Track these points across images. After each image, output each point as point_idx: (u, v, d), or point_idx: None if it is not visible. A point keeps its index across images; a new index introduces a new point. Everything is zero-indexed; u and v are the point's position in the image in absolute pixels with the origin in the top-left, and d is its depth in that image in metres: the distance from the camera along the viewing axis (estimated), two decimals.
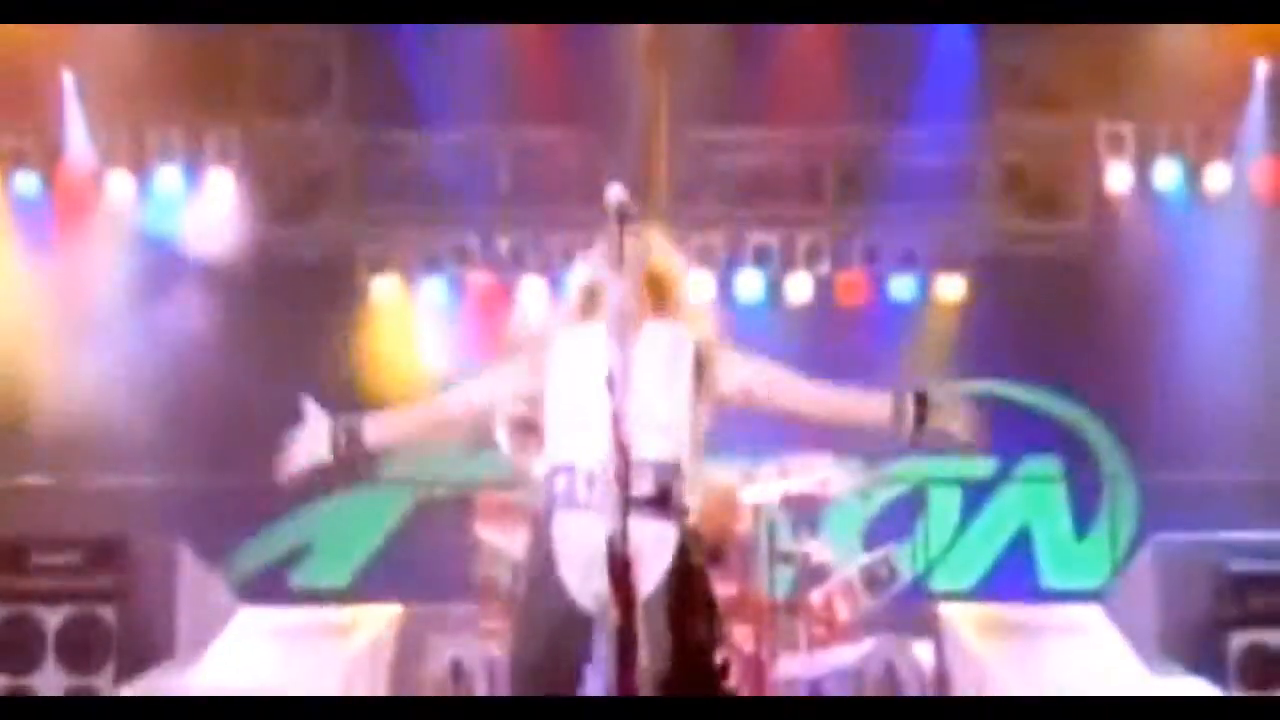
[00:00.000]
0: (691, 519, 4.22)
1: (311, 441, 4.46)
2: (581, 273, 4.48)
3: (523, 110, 11.94)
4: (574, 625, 4.10)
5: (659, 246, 4.52)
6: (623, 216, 3.92)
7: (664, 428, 4.17)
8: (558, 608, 4.14)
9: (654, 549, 4.08)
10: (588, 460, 4.10)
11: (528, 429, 6.78)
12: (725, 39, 11.60)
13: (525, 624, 4.30)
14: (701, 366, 4.33)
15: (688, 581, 4.13)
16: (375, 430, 4.49)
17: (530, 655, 4.23)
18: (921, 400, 4.28)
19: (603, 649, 3.98)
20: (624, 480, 3.73)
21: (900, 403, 4.29)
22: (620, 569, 3.72)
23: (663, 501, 4.12)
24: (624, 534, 3.71)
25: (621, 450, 3.73)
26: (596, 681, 4.34)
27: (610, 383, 3.75)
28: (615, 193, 3.93)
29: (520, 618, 4.36)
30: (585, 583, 4.07)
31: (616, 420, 3.73)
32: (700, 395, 4.32)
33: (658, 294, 4.42)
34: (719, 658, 4.34)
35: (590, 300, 4.39)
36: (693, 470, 4.25)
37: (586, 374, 4.07)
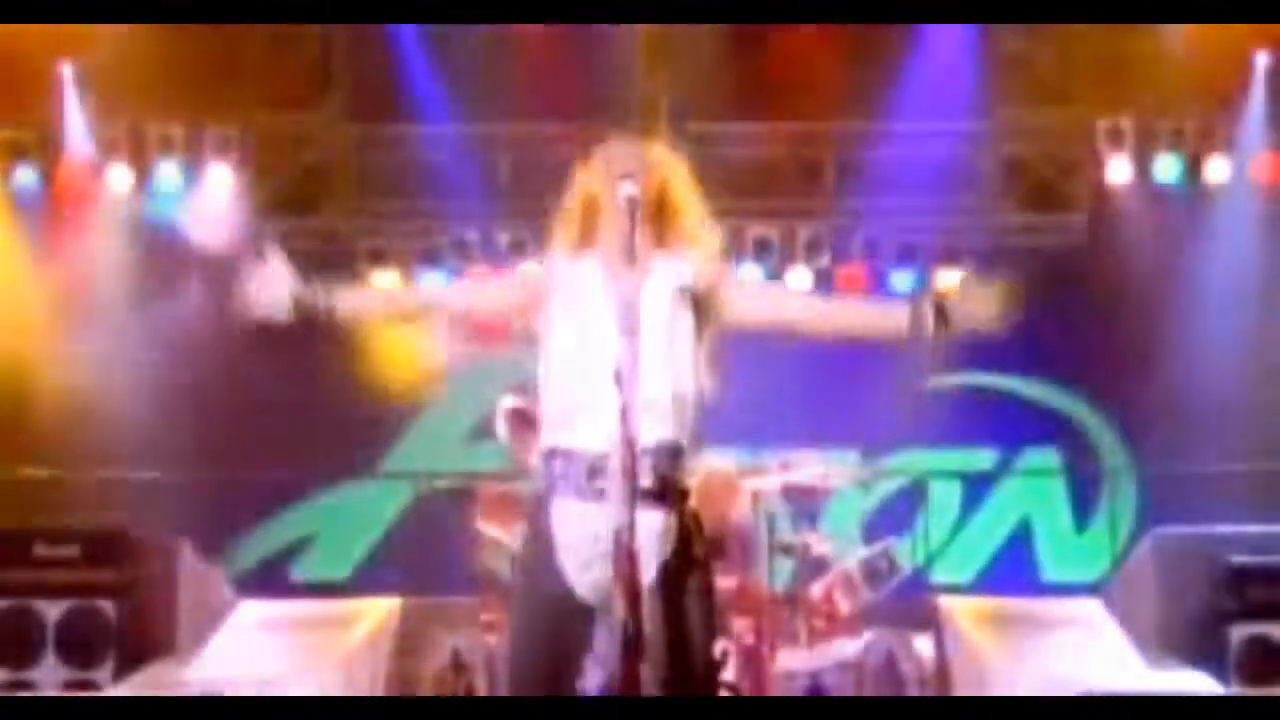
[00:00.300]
0: (690, 502, 4.11)
1: (272, 285, 4.25)
2: (581, 186, 4.26)
3: (522, 104, 11.92)
4: (572, 613, 4.02)
5: (662, 164, 4.21)
6: (634, 211, 3.90)
7: (665, 407, 4.01)
8: (554, 594, 4.02)
9: (654, 539, 3.96)
10: (589, 446, 3.98)
11: (526, 421, 6.82)
12: (725, 32, 11.59)
13: (522, 610, 4.17)
14: (706, 304, 4.15)
15: (687, 572, 4.03)
16: (343, 296, 4.40)
17: (527, 642, 4.10)
18: (940, 308, 4.07)
19: (603, 641, 3.95)
20: (631, 474, 3.68)
21: (918, 309, 4.08)
22: (626, 563, 3.67)
23: (663, 491, 4.01)
24: (631, 528, 3.67)
25: (629, 445, 3.68)
26: (596, 674, 4.32)
27: (618, 377, 3.70)
28: (626, 188, 3.91)
29: (517, 604, 4.23)
30: (584, 572, 3.99)
31: (625, 414, 3.68)
32: (703, 333, 4.14)
33: (661, 221, 4.18)
34: (718, 649, 4.28)
35: (589, 222, 4.22)
36: (692, 444, 4.11)
37: (584, 345, 4.01)
